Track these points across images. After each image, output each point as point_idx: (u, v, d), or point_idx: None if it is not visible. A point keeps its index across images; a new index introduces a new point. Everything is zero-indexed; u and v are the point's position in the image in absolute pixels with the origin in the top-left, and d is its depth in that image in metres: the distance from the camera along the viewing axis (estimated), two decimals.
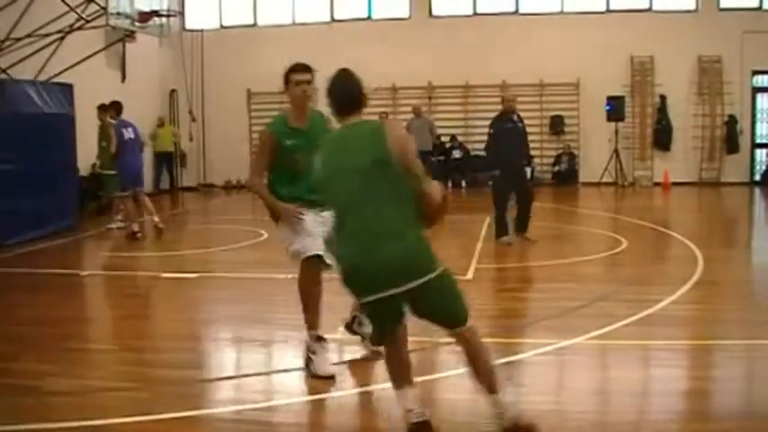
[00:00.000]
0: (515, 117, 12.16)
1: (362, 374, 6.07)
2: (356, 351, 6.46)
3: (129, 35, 19.73)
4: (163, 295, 9.19)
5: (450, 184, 19.89)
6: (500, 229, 12.04)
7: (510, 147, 11.86)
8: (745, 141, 22.65)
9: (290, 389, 5.78)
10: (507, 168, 11.94)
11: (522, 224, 12.13)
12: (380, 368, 6.17)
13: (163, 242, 13.09)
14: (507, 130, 11.97)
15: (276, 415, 5.24)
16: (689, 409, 5.30)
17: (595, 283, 9.50)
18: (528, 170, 12.46)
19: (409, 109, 22.46)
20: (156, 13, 20.42)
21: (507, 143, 11.88)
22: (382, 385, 5.40)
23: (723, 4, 22.35)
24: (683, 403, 5.42)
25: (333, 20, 23.78)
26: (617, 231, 13.51)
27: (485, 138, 12.23)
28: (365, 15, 23.65)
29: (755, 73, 22.48)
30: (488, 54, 22.29)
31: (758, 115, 22.92)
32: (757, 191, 21.56)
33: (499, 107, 12.45)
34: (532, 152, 16.09)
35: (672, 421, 5.05)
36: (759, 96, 22.87)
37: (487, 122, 12.76)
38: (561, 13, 23.00)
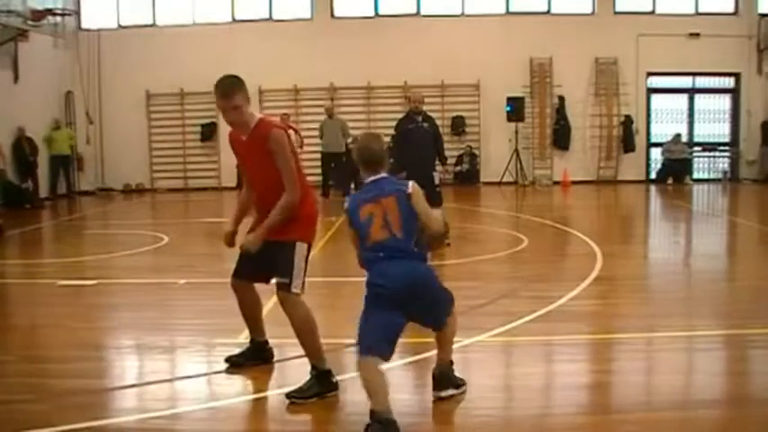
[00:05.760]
0: (420, 118, 11.71)
1: (266, 379, 5.96)
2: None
3: (22, 34, 19.10)
4: (60, 303, 8.85)
5: (352, 186, 19.80)
6: None
7: (413, 148, 11.45)
8: (640, 141, 23.39)
9: (194, 396, 5.63)
10: (410, 170, 11.61)
11: None
12: (285, 372, 6.11)
13: (60, 248, 12.67)
14: (409, 131, 11.62)
15: (180, 423, 5.09)
16: (591, 402, 5.37)
17: (498, 280, 9.57)
18: (435, 175, 11.94)
19: (311, 110, 22.46)
20: (50, 12, 19.86)
21: (409, 145, 11.62)
22: (285, 389, 5.33)
23: (619, 8, 23.00)
24: (585, 396, 5.48)
25: (234, 20, 23.50)
26: (518, 230, 13.66)
27: (387, 139, 12.13)
28: (266, 16, 23.44)
29: (650, 74, 23.18)
30: (390, 55, 22.39)
31: (653, 115, 23.69)
32: (653, 188, 22.24)
33: (400, 108, 12.26)
34: None
35: (575, 414, 5.11)
36: (653, 97, 23.63)
37: (390, 123, 12.61)
38: (462, 15, 23.26)
